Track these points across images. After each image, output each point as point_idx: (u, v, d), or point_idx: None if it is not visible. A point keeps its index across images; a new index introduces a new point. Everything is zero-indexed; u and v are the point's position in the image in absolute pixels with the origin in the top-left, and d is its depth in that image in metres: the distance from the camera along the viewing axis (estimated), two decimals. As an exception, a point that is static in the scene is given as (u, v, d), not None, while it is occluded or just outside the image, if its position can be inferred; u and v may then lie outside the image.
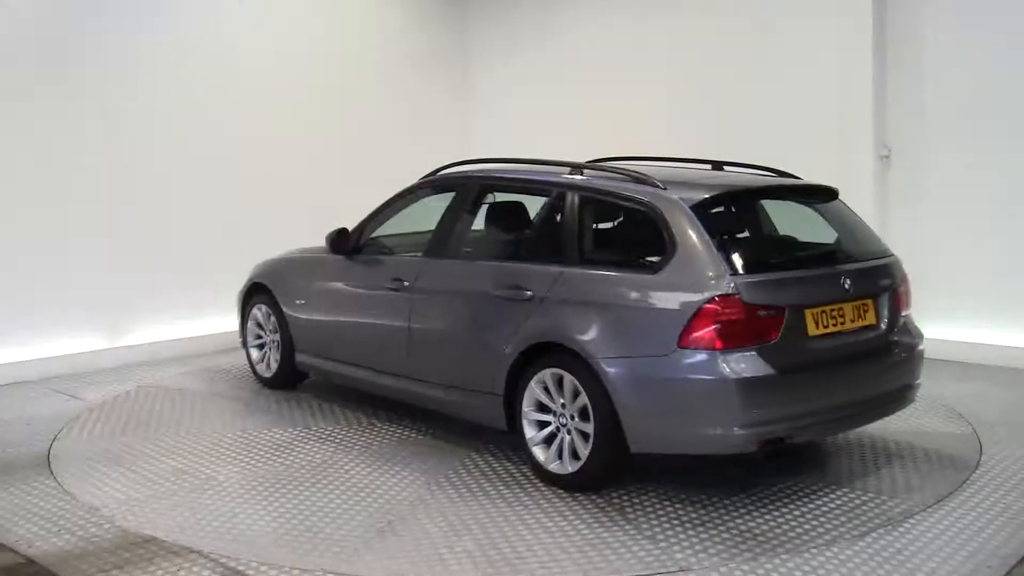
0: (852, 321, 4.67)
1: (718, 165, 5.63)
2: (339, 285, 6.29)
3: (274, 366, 6.88)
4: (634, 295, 4.55)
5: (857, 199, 7.85)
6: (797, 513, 4.38)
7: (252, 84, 8.87)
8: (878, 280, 4.92)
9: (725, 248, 4.43)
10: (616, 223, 5.25)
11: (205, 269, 8.50)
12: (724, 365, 4.23)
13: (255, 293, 7.10)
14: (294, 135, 9.20)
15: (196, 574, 3.82)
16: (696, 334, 4.26)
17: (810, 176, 8.18)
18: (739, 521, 4.30)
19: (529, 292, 4.91)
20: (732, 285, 4.26)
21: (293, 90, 9.20)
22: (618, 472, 4.69)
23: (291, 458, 5.35)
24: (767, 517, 4.34)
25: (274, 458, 5.35)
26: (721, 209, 4.74)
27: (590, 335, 4.59)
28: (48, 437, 5.78)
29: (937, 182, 7.64)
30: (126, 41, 8.00)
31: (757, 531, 4.18)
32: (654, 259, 4.55)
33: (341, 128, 9.61)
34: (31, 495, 4.78)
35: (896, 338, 4.94)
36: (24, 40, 7.40)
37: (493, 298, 5.10)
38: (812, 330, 4.48)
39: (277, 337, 6.81)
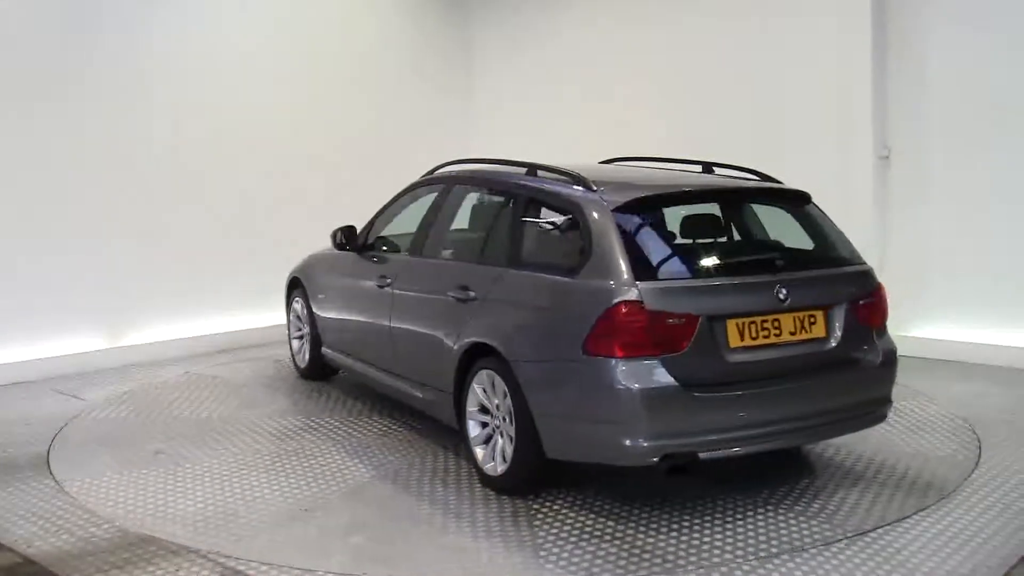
0: (792, 334, 4.38)
1: (708, 168, 5.47)
2: (347, 281, 6.43)
3: (307, 358, 7.10)
4: (551, 298, 4.53)
5: (857, 199, 7.90)
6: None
7: (252, 85, 8.87)
8: (833, 290, 4.59)
9: (638, 253, 4.28)
10: (551, 225, 4.98)
11: (205, 269, 8.51)
12: (623, 374, 4.05)
13: (295, 287, 7.35)
14: (294, 136, 9.21)
15: (195, 574, 3.82)
16: (599, 341, 4.12)
17: (810, 177, 8.21)
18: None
19: (473, 293, 4.95)
20: (636, 292, 4.09)
21: (293, 91, 9.21)
22: (540, 478, 4.59)
23: (264, 445, 5.57)
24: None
25: (252, 444, 5.49)
26: (648, 213, 4.62)
27: (512, 337, 4.60)
28: (48, 437, 5.78)
29: (937, 182, 7.64)
30: (126, 41, 8.01)
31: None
32: (574, 262, 4.43)
33: (342, 128, 9.62)
34: (31, 495, 4.79)
35: (856, 353, 4.60)
36: (25, 40, 7.41)
37: (447, 297, 5.14)
38: (735, 341, 4.24)
39: (307, 330, 7.07)
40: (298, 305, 7.26)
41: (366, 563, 3.94)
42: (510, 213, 5.07)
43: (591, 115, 9.76)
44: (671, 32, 9.17)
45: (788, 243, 4.99)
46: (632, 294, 4.09)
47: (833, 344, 4.52)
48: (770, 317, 4.34)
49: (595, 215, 4.42)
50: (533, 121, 10.28)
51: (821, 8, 8.10)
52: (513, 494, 4.64)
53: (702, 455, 4.15)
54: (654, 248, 4.50)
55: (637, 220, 4.49)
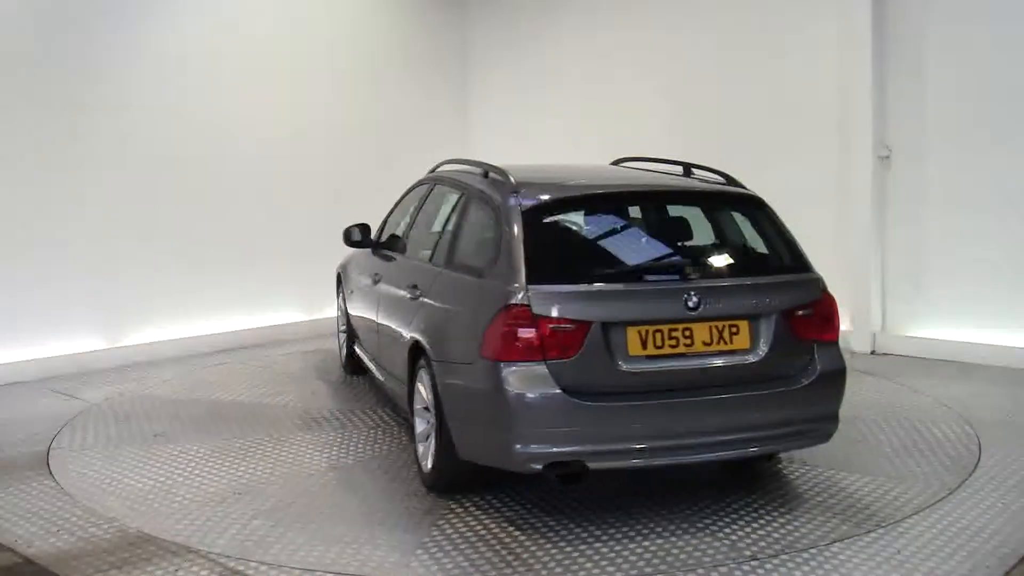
0: (707, 344, 4.17)
1: (688, 169, 5.29)
2: (363, 279, 6.53)
3: (344, 353, 7.34)
4: (462, 299, 4.56)
5: (856, 199, 7.92)
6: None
7: (251, 85, 8.88)
8: (761, 300, 4.30)
9: (538, 256, 4.17)
10: (482, 225, 4.90)
11: (205, 269, 8.51)
12: (508, 378, 3.97)
13: (339, 283, 7.53)
14: (294, 135, 9.22)
15: (195, 574, 3.82)
16: (490, 344, 4.07)
17: (810, 177, 8.25)
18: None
19: (419, 291, 5.03)
20: (525, 296, 4.02)
21: (293, 91, 9.21)
22: (460, 479, 4.53)
23: (252, 436, 5.80)
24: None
25: (237, 432, 5.80)
26: (558, 215, 4.58)
27: (433, 336, 4.65)
28: (47, 437, 5.79)
29: (936, 182, 7.64)
30: (126, 41, 8.01)
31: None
32: (484, 264, 4.42)
33: (342, 128, 9.63)
34: (30, 495, 4.79)
35: (788, 368, 4.32)
36: (26, 40, 7.41)
37: (405, 295, 5.23)
38: (635, 350, 4.08)
39: (344, 326, 7.31)
40: (339, 300, 7.49)
41: (249, 545, 4.07)
42: (457, 213, 5.13)
43: (589, 113, 9.77)
44: (670, 32, 9.18)
45: (722, 249, 4.82)
46: (521, 298, 4.02)
47: (758, 357, 4.24)
48: (679, 326, 4.14)
49: (507, 216, 4.36)
50: (533, 121, 10.28)
51: (821, 9, 8.11)
52: (443, 492, 4.62)
53: (592, 465, 4.04)
54: (555, 252, 4.40)
55: (546, 222, 4.43)
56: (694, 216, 4.96)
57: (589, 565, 3.84)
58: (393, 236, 6.28)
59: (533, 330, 3.98)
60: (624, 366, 4.06)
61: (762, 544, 4.03)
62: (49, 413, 6.35)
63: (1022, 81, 7.16)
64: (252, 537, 4.17)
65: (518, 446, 4.00)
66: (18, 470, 5.18)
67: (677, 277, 4.32)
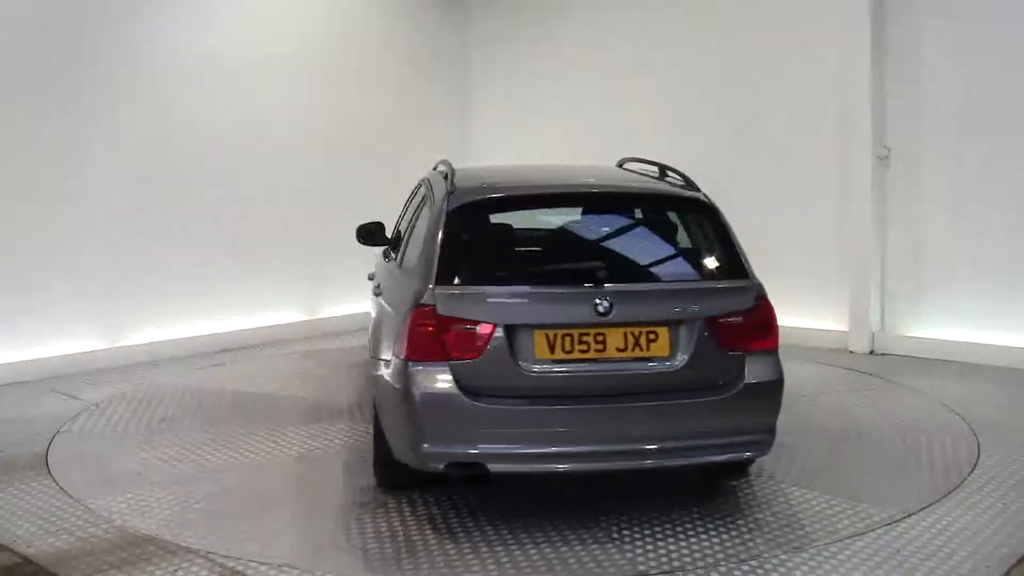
0: (621, 350, 4.06)
1: (663, 172, 5.08)
2: (376, 275, 6.52)
3: None
4: (394, 298, 4.61)
5: (856, 199, 7.92)
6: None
7: (251, 86, 8.88)
8: (683, 306, 4.16)
9: (453, 257, 4.22)
10: (426, 226, 4.84)
11: (205, 270, 8.51)
12: (413, 378, 4.02)
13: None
14: (294, 135, 9.22)
15: (194, 574, 3.82)
16: (399, 343, 4.14)
17: (810, 176, 8.26)
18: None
19: (379, 290, 5.19)
20: (431, 296, 4.07)
21: (293, 90, 9.22)
22: (401, 475, 4.48)
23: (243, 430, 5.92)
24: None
25: (236, 431, 5.83)
26: (480, 216, 4.60)
27: (372, 334, 4.78)
28: (48, 437, 5.78)
29: (936, 182, 7.65)
30: (126, 41, 8.01)
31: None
32: (415, 264, 4.47)
33: (342, 127, 9.63)
34: (30, 495, 4.79)
35: (713, 377, 4.16)
36: (27, 39, 7.41)
37: (378, 296, 5.32)
38: (542, 353, 4.03)
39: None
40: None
41: (177, 527, 4.25)
42: (416, 214, 5.19)
43: (589, 114, 9.77)
44: (670, 31, 9.19)
45: (649, 253, 4.76)
46: (427, 299, 4.07)
47: (677, 365, 4.11)
48: (590, 331, 4.06)
49: (436, 218, 4.41)
50: (533, 121, 10.28)
51: (821, 8, 8.11)
52: (389, 489, 4.67)
53: (492, 468, 4.03)
54: (470, 254, 4.42)
55: (469, 224, 4.45)
56: (632, 219, 4.98)
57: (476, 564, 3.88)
58: (397, 235, 6.31)
59: (437, 330, 4.02)
60: (529, 370, 4.02)
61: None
62: (49, 413, 6.35)
63: (1022, 81, 7.16)
64: (181, 519, 4.39)
65: (425, 445, 4.02)
66: (18, 470, 5.18)
67: (589, 281, 4.18)
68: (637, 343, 4.08)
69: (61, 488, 4.88)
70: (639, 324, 4.09)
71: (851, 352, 7.95)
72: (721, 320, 4.17)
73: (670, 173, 5.02)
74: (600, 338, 4.06)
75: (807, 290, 8.34)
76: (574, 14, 9.97)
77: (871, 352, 7.92)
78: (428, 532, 4.21)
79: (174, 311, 8.32)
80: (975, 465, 4.99)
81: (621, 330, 4.07)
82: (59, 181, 7.60)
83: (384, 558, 3.97)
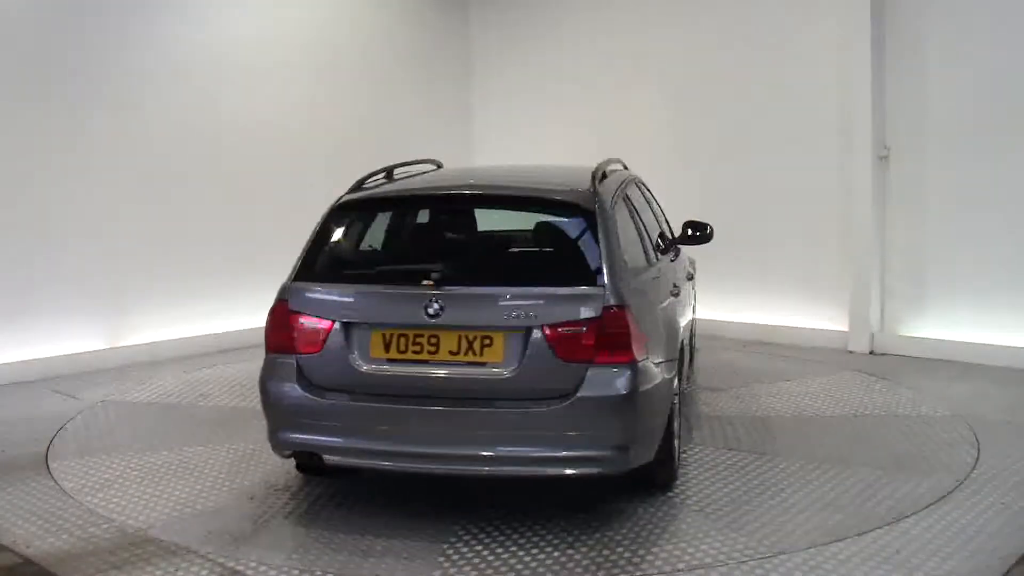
0: (453, 353, 4.03)
1: (603, 176, 4.95)
2: None
3: None
4: None
5: (856, 199, 7.92)
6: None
7: (253, 87, 8.88)
8: (520, 312, 4.00)
9: (315, 254, 4.49)
10: None
11: (205, 270, 8.50)
12: (266, 369, 4.33)
13: None
14: (294, 136, 9.21)
15: (194, 574, 3.82)
16: (266, 336, 4.40)
17: (810, 176, 8.26)
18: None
19: None
20: (286, 292, 4.36)
21: (294, 90, 9.21)
22: (308, 462, 4.44)
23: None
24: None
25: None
26: (350, 216, 4.74)
27: None
28: (48, 437, 5.78)
29: (936, 182, 7.65)
30: (127, 40, 8.01)
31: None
32: None
33: (342, 127, 9.62)
34: (30, 495, 4.79)
35: (549, 387, 3.98)
36: (27, 39, 7.41)
37: None
38: (377, 352, 4.11)
39: None
40: None
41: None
42: None
43: (590, 113, 9.77)
44: (670, 31, 9.19)
45: (499, 256, 4.80)
46: (284, 293, 4.36)
47: (508, 372, 4.00)
48: (424, 332, 4.07)
49: (323, 215, 4.63)
50: (533, 121, 10.29)
51: (821, 8, 8.12)
52: (306, 473, 4.81)
53: (328, 459, 4.21)
54: (327, 251, 4.58)
55: (338, 223, 4.66)
56: (504, 222, 5.08)
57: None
58: None
59: (286, 324, 4.28)
60: (363, 367, 4.15)
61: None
62: (49, 413, 6.35)
63: (1022, 81, 7.16)
64: (118, 501, 4.63)
65: (276, 433, 4.30)
66: (18, 470, 5.18)
67: (422, 283, 4.13)
68: (471, 347, 4.05)
69: (61, 488, 4.88)
70: (473, 328, 4.06)
71: (851, 352, 7.94)
72: (560, 329, 4.00)
73: (607, 174, 4.87)
74: (434, 340, 4.09)
75: (807, 290, 8.35)
76: (576, 15, 9.96)
77: (871, 352, 7.91)
78: (311, 521, 4.38)
79: (174, 311, 8.32)
80: (976, 465, 4.99)
81: (455, 333, 4.06)
82: (59, 181, 7.60)
83: (229, 533, 4.16)
